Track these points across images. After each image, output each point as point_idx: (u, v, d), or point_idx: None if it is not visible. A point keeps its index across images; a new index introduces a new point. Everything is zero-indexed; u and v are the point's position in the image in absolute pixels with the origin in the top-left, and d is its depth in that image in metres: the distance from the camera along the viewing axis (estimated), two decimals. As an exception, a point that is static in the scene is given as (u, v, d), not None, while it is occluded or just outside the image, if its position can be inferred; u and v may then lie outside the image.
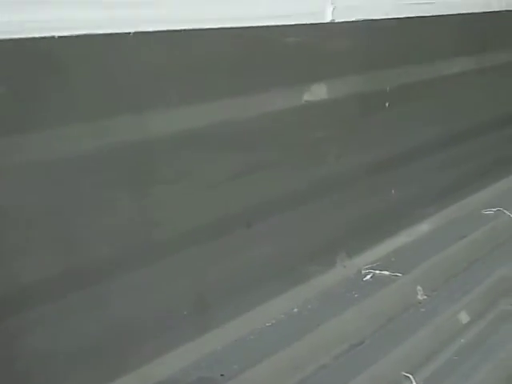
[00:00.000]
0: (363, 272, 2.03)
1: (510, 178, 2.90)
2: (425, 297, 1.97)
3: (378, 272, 2.02)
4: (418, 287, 1.98)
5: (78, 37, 1.25)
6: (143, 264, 1.47)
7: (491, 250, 2.26)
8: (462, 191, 2.60)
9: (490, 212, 2.52)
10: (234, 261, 1.70)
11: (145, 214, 1.47)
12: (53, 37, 1.21)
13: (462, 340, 1.81)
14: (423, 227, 2.35)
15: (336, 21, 1.86)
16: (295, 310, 1.81)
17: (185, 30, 1.47)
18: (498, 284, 2.04)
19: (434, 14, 2.30)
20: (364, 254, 2.11)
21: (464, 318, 1.89)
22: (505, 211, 2.52)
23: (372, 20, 1.99)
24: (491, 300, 1.98)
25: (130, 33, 1.34)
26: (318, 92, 1.88)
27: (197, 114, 1.56)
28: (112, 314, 1.43)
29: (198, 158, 1.58)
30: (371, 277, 2.01)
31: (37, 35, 1.19)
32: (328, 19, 1.84)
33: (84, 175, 1.33)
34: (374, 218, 2.18)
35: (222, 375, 1.49)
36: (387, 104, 2.13)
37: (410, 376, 1.64)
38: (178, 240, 1.55)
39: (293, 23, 1.74)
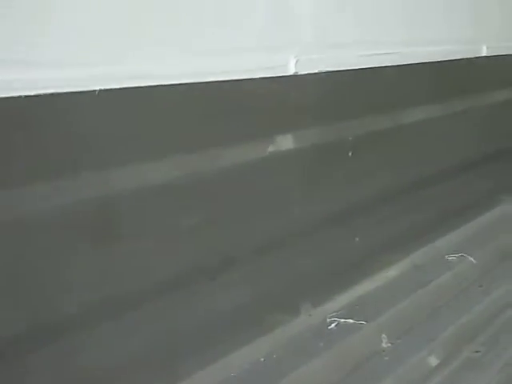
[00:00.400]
0: (328, 320, 2.05)
1: (473, 223, 2.95)
2: (389, 344, 1.99)
3: (342, 320, 2.05)
4: (383, 335, 2.00)
5: (44, 96, 1.27)
6: (108, 319, 1.48)
7: (455, 296, 2.29)
8: (425, 237, 2.64)
9: (453, 258, 2.56)
10: (199, 313, 1.71)
11: (109, 270, 1.48)
12: (19, 96, 1.23)
13: (427, 388, 1.84)
14: (387, 274, 2.37)
15: (299, 73, 1.90)
16: (261, 359, 1.82)
17: (149, 86, 1.49)
18: (462, 331, 2.07)
19: (396, 63, 2.36)
20: (329, 302, 2.13)
21: (428, 366, 1.91)
22: (468, 256, 2.56)
23: (335, 71, 2.04)
24: (455, 347, 2.00)
25: (96, 90, 1.36)
26: (282, 143, 1.92)
27: (160, 168, 1.59)
28: (77, 370, 1.43)
29: (161, 213, 1.60)
30: (336, 325, 2.03)
31: (3, 95, 1.21)
32: (291, 72, 1.88)
33: (45, 232, 1.34)
34: (339, 266, 2.21)
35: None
36: (350, 153, 2.17)
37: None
38: (143, 293, 1.56)
39: (256, 77, 1.77)
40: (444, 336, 2.01)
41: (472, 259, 2.55)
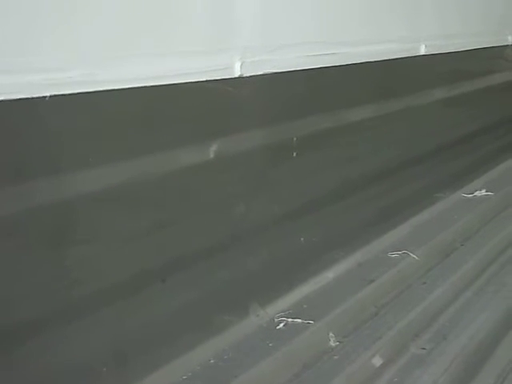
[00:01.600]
0: (276, 320, 2.09)
1: (413, 220, 3.01)
2: (337, 343, 2.03)
3: (290, 320, 2.08)
4: (331, 334, 2.05)
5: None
6: (61, 322, 1.50)
7: (399, 294, 2.35)
8: (367, 235, 2.69)
9: (396, 255, 2.61)
10: (150, 315, 1.73)
11: (62, 274, 1.49)
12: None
13: (376, 386, 1.89)
14: (332, 272, 2.42)
15: (244, 75, 1.93)
16: (211, 361, 1.85)
17: (97, 91, 1.50)
18: (408, 328, 2.12)
19: (337, 64, 2.40)
20: (276, 302, 2.16)
21: (376, 363, 1.96)
22: (410, 254, 2.62)
23: (279, 73, 2.07)
24: (402, 344, 2.06)
25: (45, 96, 1.37)
26: (227, 145, 1.95)
27: (109, 172, 1.60)
28: (30, 373, 1.44)
29: (111, 217, 1.61)
30: (284, 325, 2.06)
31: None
32: (237, 74, 1.91)
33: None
34: (285, 265, 2.25)
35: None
36: (294, 154, 2.21)
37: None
38: (95, 297, 1.58)
39: (201, 80, 1.80)
40: (390, 334, 2.05)
41: (415, 256, 2.61)
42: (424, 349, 2.02)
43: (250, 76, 1.95)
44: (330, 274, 2.41)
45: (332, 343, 2.03)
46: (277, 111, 2.13)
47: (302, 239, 2.31)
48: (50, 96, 1.38)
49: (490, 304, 2.27)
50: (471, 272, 2.53)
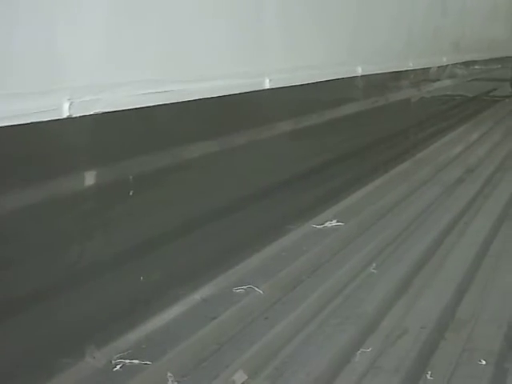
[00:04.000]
0: (113, 362, 2.11)
1: (263, 252, 3.09)
2: (175, 383, 2.07)
3: (127, 361, 2.11)
4: (169, 374, 2.08)
5: None
6: None
7: (241, 330, 2.40)
8: (213, 271, 2.74)
9: (241, 290, 2.67)
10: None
11: None
12: None
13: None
14: (174, 310, 2.46)
15: (73, 116, 1.96)
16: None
17: None
18: (246, 365, 2.16)
19: (174, 101, 2.45)
20: (115, 343, 2.19)
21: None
22: (255, 288, 2.69)
23: (110, 112, 2.11)
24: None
25: None
26: (59, 187, 1.97)
27: None
28: None
29: None
30: (121, 367, 2.09)
31: None
32: (65, 115, 1.93)
33: None
34: (125, 305, 2.28)
35: None
36: (131, 192, 2.25)
37: None
38: None
39: (29, 122, 1.82)
40: (227, 372, 2.10)
41: (260, 291, 2.68)
42: (262, 386, 2.08)
43: (80, 116, 1.98)
44: (172, 312, 2.45)
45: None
46: (110, 150, 2.17)
47: (141, 278, 2.34)
48: None
49: (331, 338, 2.35)
50: (315, 305, 2.60)
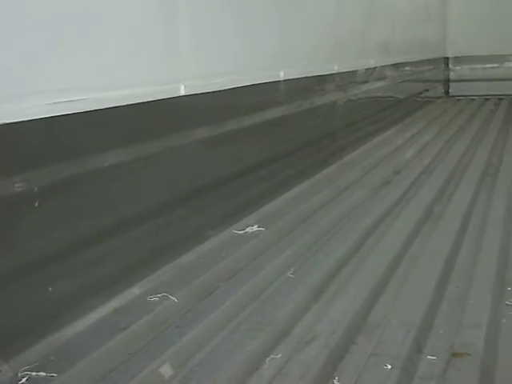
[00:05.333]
0: (20, 375, 2.11)
1: (181, 259, 3.12)
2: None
3: (34, 374, 2.12)
4: (74, 386, 2.09)
5: None
6: None
7: (152, 339, 2.42)
8: (129, 279, 2.76)
9: (155, 298, 2.69)
10: None
11: None
12: None
13: None
14: (86, 321, 2.47)
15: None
16: None
17: None
18: (153, 376, 2.19)
19: (85, 110, 2.47)
20: (23, 356, 2.19)
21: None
22: (170, 296, 2.71)
23: (14, 123, 2.12)
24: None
25: None
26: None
27: None
28: None
29: None
30: (27, 380, 2.10)
31: None
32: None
33: None
34: (33, 318, 2.28)
35: None
36: (37, 203, 2.25)
37: None
38: None
39: None
40: (135, 382, 2.12)
41: (174, 298, 2.70)
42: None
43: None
44: (83, 323, 2.46)
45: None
46: (13, 161, 2.17)
47: (50, 289, 2.34)
48: None
49: (242, 345, 2.38)
50: (228, 312, 2.62)
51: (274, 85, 4.11)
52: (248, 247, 3.35)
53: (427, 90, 9.58)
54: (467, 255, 3.28)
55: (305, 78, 4.58)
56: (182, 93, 3.08)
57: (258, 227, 3.60)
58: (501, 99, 10.13)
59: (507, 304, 2.73)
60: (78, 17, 2.47)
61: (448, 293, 2.85)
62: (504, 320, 2.60)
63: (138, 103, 2.79)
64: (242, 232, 3.54)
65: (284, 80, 4.20)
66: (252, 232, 3.55)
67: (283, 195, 4.21)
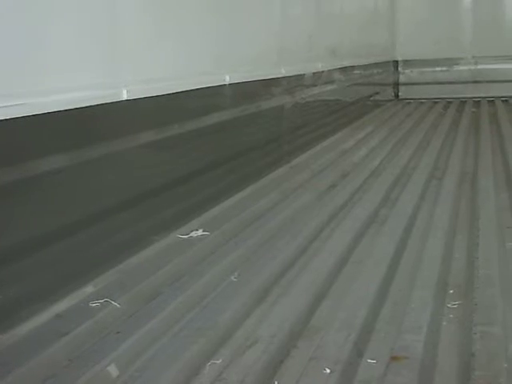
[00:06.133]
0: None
1: (124, 264, 3.11)
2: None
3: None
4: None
5: None
6: None
7: (93, 344, 2.42)
8: (71, 285, 2.75)
9: (97, 304, 2.69)
10: None
11: None
12: None
13: None
14: (26, 327, 2.46)
15: None
16: None
17: None
18: (96, 380, 2.19)
19: (26, 114, 2.46)
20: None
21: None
22: (112, 302, 2.70)
23: None
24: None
25: None
26: None
27: None
28: None
29: None
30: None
31: None
32: None
33: None
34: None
35: None
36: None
37: None
38: None
39: None
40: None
41: (116, 304, 2.69)
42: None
43: None
44: (23, 329, 2.45)
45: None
46: None
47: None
48: None
49: (182, 350, 2.38)
50: (170, 317, 2.62)
51: (219, 89, 4.12)
52: (192, 252, 3.36)
53: (377, 93, 9.67)
54: (410, 258, 3.31)
55: (251, 81, 4.60)
56: (125, 97, 3.08)
57: (203, 231, 3.61)
58: (450, 102, 10.26)
59: (449, 307, 2.75)
60: (14, 20, 2.45)
61: (390, 296, 2.87)
62: (445, 323, 2.63)
63: (80, 108, 2.78)
64: (186, 236, 3.54)
65: (229, 84, 4.21)
66: (197, 236, 3.56)
67: (229, 199, 4.22)
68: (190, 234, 3.56)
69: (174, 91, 3.52)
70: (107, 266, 3.01)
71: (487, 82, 10.74)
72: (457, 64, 10.94)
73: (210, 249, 3.42)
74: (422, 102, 10.54)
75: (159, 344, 2.43)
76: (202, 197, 3.93)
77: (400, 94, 11.15)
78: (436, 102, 10.41)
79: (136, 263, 3.16)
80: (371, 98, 9.24)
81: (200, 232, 3.59)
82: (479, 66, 10.85)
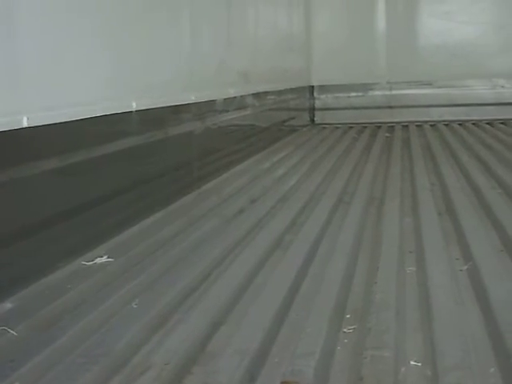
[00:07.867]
0: None
1: (26, 292, 3.13)
2: None
3: None
4: None
5: None
6: None
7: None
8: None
9: (-7, 333, 2.70)
10: None
11: None
12: None
13: None
14: None
15: None
16: None
17: None
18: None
19: None
20: None
21: None
22: (9, 330, 2.71)
23: None
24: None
25: None
26: None
27: None
28: None
29: None
30: None
31: None
32: None
33: None
34: None
35: None
36: None
37: None
38: None
39: None
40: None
41: (13, 332, 2.71)
42: None
43: None
44: None
45: None
46: None
47: None
48: None
49: (75, 379, 2.39)
50: (66, 345, 2.63)
51: (125, 115, 4.16)
52: (95, 278, 3.38)
53: (292, 118, 9.80)
54: (311, 283, 3.38)
55: (159, 108, 4.65)
56: (25, 124, 3.10)
57: (108, 258, 3.64)
58: (365, 127, 10.46)
59: (344, 331, 2.83)
60: None
61: (287, 321, 2.94)
62: (339, 347, 2.70)
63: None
64: (90, 263, 3.57)
65: (136, 110, 4.25)
66: (101, 263, 3.59)
67: (136, 225, 4.26)
68: (95, 261, 3.59)
69: (80, 118, 3.55)
70: (7, 293, 3.01)
71: (401, 107, 10.98)
72: (372, 89, 11.16)
73: (113, 276, 3.45)
74: (337, 127, 10.72)
75: (54, 372, 2.45)
76: (109, 223, 3.96)
77: (316, 118, 11.32)
78: (351, 127, 10.59)
79: (38, 290, 3.18)
80: (286, 123, 9.36)
81: (104, 258, 3.62)
82: (393, 92, 11.09)
